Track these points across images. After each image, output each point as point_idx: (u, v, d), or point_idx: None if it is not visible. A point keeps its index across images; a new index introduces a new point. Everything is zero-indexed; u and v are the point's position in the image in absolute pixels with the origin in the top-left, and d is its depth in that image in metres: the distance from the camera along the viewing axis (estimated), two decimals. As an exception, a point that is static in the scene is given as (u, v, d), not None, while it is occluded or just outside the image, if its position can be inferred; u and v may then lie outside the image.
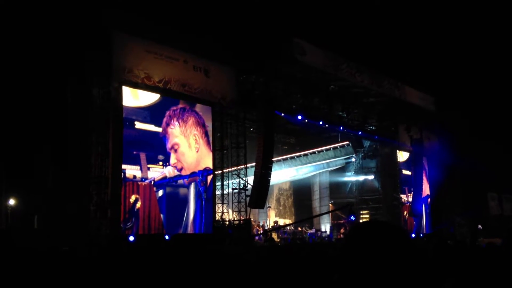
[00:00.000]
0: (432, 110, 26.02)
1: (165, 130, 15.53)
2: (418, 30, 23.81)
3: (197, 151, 16.35)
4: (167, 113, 15.69)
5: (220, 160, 17.34)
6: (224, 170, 17.62)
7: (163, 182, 15.31)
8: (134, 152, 14.73)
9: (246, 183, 17.66)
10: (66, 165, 14.00)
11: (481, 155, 25.20)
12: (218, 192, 17.27)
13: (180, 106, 16.12)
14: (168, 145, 15.58)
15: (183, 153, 15.92)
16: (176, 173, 15.69)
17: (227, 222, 17.34)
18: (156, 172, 15.16)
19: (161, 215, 15.12)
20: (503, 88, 26.92)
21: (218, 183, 17.36)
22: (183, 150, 15.93)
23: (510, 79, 26.01)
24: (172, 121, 15.76)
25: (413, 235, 23.93)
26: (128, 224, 14.17)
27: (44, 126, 14.41)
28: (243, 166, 17.87)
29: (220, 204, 17.22)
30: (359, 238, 1.57)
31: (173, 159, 15.62)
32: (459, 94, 25.89)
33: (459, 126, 26.05)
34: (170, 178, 15.50)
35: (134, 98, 14.96)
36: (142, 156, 14.84)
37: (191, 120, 16.36)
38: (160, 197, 15.22)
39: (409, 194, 25.74)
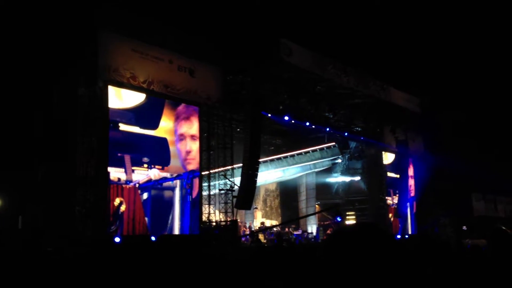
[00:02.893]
0: (417, 112, 26.24)
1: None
2: (403, 31, 24.00)
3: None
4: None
5: (206, 161, 17.25)
6: (211, 171, 17.56)
7: (148, 184, 15.09)
8: (119, 154, 14.46)
9: (233, 184, 17.62)
10: (51, 165, 13.83)
11: (466, 156, 25.47)
12: (204, 193, 17.17)
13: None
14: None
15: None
16: (162, 175, 15.56)
17: (214, 223, 17.26)
18: (140, 174, 14.94)
19: (146, 218, 14.90)
20: (488, 89, 27.25)
21: (205, 184, 17.28)
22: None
23: (496, 80, 26.33)
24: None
25: (399, 237, 24.10)
26: (112, 227, 13.93)
27: (30, 124, 14.23)
28: (229, 167, 17.82)
29: (206, 205, 17.13)
30: (341, 242, 1.57)
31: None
32: (444, 96, 26.14)
33: (444, 127, 26.31)
34: (155, 180, 15.30)
35: (118, 99, 14.69)
36: (127, 158, 14.59)
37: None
38: (144, 200, 14.97)
39: (394, 197, 25.90)
